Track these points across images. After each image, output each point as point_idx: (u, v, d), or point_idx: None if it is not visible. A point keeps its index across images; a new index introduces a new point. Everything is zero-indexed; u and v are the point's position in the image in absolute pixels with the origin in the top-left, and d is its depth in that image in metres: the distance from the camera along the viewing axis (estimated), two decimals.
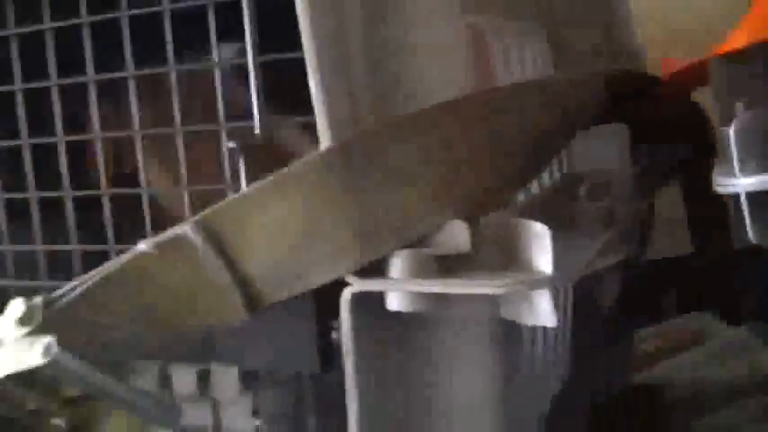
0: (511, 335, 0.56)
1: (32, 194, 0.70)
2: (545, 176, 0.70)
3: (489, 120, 0.55)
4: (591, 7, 0.98)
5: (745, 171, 0.52)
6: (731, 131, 0.53)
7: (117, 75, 0.66)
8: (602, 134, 0.72)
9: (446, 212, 0.51)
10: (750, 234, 0.52)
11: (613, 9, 1.08)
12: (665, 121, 0.87)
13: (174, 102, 0.63)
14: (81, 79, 0.67)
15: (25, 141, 0.71)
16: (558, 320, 0.52)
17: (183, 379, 0.62)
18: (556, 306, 0.50)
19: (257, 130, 0.56)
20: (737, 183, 0.52)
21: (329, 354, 0.57)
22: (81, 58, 0.67)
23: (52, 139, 0.69)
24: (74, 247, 0.68)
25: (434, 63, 0.56)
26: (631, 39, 1.14)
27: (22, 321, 0.56)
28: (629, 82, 0.85)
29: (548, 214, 0.57)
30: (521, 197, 0.64)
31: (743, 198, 0.53)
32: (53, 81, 0.68)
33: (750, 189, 0.52)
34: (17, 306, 0.56)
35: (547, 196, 0.65)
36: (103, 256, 0.65)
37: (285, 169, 0.51)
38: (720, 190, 0.55)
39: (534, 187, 0.67)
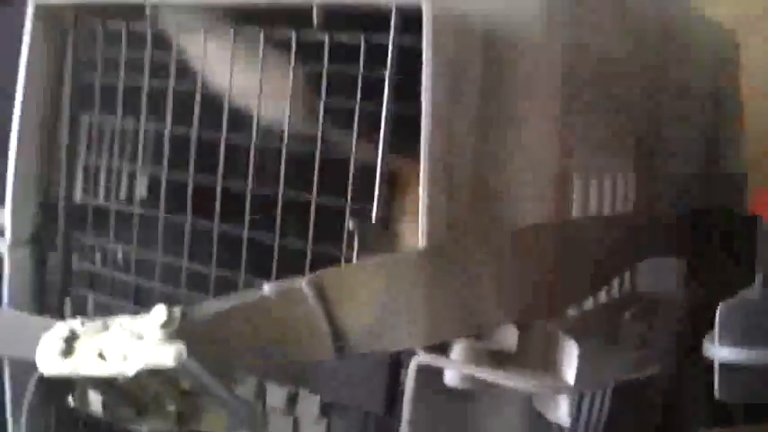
0: (540, 422, 0.69)
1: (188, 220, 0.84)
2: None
3: (557, 248, 0.68)
4: (692, 133, 1.08)
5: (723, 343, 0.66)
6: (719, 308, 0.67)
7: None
8: (663, 264, 0.84)
9: (505, 316, 0.64)
10: (717, 393, 0.65)
11: (719, 136, 1.17)
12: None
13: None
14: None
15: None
16: (579, 419, 0.65)
17: (276, 396, 0.76)
18: (580, 406, 0.63)
19: (374, 215, 0.70)
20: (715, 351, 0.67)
21: (394, 402, 0.70)
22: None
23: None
24: (211, 269, 0.82)
25: (524, 190, 0.70)
26: (735, 163, 1.24)
27: (162, 325, 0.71)
28: (713, 220, 0.95)
29: (594, 329, 0.70)
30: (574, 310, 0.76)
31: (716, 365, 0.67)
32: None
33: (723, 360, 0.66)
34: (160, 311, 0.71)
35: (598, 312, 0.77)
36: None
37: (388, 255, 0.65)
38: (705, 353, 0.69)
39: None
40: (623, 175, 0.82)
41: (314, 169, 0.74)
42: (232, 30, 0.78)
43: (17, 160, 0.92)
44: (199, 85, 0.81)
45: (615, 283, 0.83)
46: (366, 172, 0.72)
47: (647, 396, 0.89)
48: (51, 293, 0.94)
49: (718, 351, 0.67)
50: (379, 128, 0.70)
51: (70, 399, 0.86)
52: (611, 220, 0.78)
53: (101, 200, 0.92)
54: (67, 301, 0.93)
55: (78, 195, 0.94)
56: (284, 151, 0.76)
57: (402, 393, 0.68)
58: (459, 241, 0.67)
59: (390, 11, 0.68)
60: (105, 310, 0.89)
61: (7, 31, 1.01)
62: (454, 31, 0.67)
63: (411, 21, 0.67)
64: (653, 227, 0.86)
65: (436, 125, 0.66)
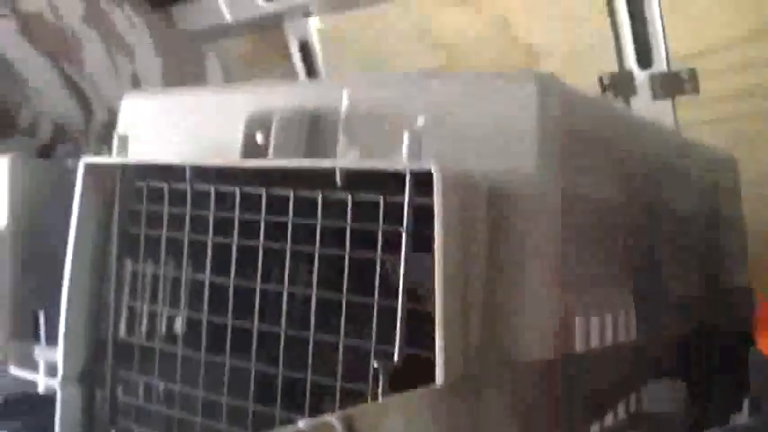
0: None
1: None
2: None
3: (563, 381, 0.76)
4: (692, 256, 1.15)
5: None
6: None
7: None
8: (666, 385, 0.92)
9: None
10: None
11: (721, 254, 1.24)
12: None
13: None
14: None
15: None
16: None
17: None
18: None
19: (396, 357, 0.78)
20: None
21: None
22: None
23: None
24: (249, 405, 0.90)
25: (530, 330, 0.78)
26: (739, 278, 1.30)
27: None
28: (712, 341, 1.02)
29: None
30: None
31: None
32: None
33: None
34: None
35: None
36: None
37: (409, 394, 0.73)
38: None
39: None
40: (624, 310, 0.90)
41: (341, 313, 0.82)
42: (263, 190, 0.87)
43: (69, 302, 1.01)
44: (235, 238, 0.89)
45: (621, 405, 0.90)
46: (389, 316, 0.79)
47: None
48: (99, 427, 1.02)
49: None
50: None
51: None
52: (613, 350, 0.85)
53: (143, 338, 1.00)
54: None
55: (123, 334, 1.02)
56: (314, 297, 0.84)
57: None
58: (473, 379, 0.75)
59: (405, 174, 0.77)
60: None
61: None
62: (461, 190, 0.76)
63: (422, 182, 0.76)
64: (655, 351, 0.93)
65: (449, 272, 0.74)
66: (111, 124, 1.35)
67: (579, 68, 1.60)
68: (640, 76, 1.55)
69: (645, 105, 1.56)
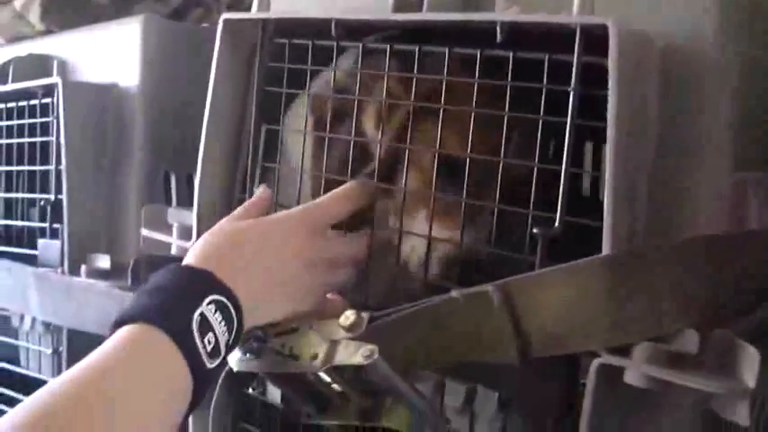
0: (713, 423, 0.71)
1: None
2: None
3: (736, 257, 0.71)
4: None
5: None
6: None
7: None
8: None
9: (683, 322, 0.67)
10: None
11: None
12: None
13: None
14: None
15: None
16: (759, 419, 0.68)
17: (454, 392, 0.80)
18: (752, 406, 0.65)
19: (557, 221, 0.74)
20: None
21: (571, 405, 0.74)
22: None
23: None
24: None
25: (702, 207, 0.73)
26: None
27: (351, 329, 0.76)
28: None
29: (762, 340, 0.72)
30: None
31: None
32: None
33: None
34: (349, 316, 0.76)
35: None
36: None
37: (572, 264, 0.69)
38: None
39: None
40: None
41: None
42: (417, 48, 0.82)
43: (204, 164, 0.98)
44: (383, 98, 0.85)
45: None
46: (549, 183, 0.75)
47: None
48: None
49: None
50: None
51: (251, 390, 0.93)
52: None
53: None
54: None
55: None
56: (468, 163, 0.80)
57: (579, 392, 0.72)
58: (641, 250, 0.70)
59: (574, 30, 0.71)
60: None
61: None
62: (636, 48, 0.70)
63: (590, 41, 0.70)
64: None
65: (621, 136, 0.69)
66: None
67: None
68: None
69: None
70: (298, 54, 0.92)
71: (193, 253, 0.77)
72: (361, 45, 0.87)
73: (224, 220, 0.83)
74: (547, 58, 0.73)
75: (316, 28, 0.88)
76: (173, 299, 0.70)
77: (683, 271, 0.68)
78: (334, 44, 0.88)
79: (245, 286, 0.74)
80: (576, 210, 0.73)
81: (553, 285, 0.69)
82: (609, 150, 0.68)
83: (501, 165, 0.77)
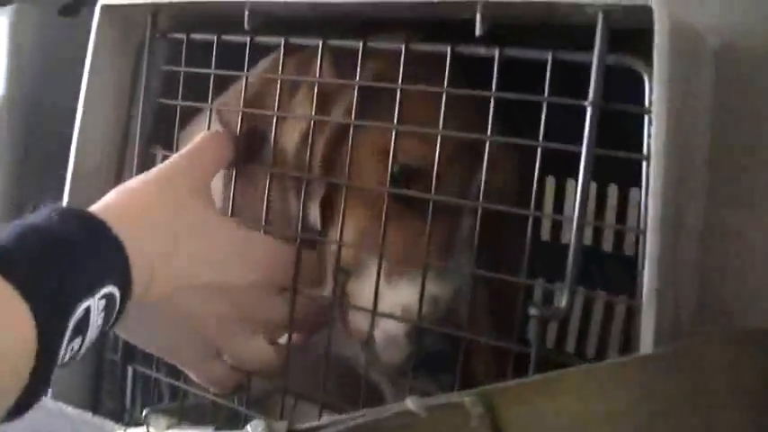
0: None
1: None
2: None
3: None
4: None
5: None
6: None
7: None
8: None
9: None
10: None
11: None
12: None
13: None
14: None
15: None
16: None
17: None
18: None
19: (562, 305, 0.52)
20: None
21: None
22: None
23: None
24: None
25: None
26: None
27: None
28: None
29: None
30: None
31: None
32: None
33: None
34: (258, 426, 0.54)
35: None
36: None
37: (573, 368, 0.48)
38: None
39: None
40: None
41: None
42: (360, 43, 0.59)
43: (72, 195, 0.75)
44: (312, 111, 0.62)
45: None
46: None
47: None
48: None
49: None
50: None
51: None
52: None
53: None
54: None
55: None
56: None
57: None
58: (686, 344, 0.48)
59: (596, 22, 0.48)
60: None
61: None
62: (687, 45, 0.48)
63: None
64: None
65: (667, 179, 0.47)
66: None
67: None
68: None
69: None
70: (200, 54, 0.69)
71: None
72: (283, 40, 0.64)
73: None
74: (550, 57, 0.51)
75: (224, 18, 0.66)
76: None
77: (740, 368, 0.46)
78: (248, 40, 0.64)
79: None
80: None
81: (551, 394, 0.47)
82: (652, 196, 0.46)
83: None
